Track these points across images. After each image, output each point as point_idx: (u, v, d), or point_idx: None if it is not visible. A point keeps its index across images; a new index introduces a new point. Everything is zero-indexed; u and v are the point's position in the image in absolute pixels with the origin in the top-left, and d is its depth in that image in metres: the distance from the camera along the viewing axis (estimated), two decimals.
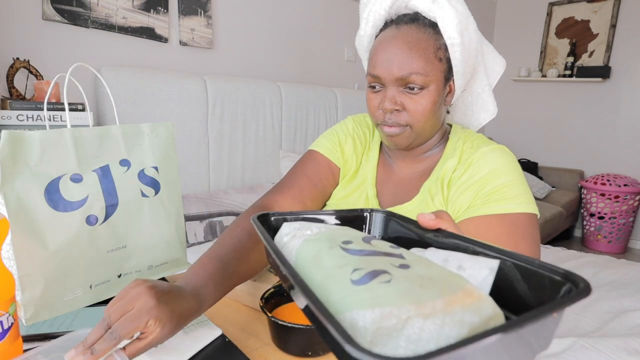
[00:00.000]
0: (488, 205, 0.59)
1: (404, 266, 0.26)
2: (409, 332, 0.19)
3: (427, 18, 0.63)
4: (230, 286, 0.50)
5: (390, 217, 0.38)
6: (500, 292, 0.27)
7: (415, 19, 0.63)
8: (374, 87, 0.65)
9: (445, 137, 0.72)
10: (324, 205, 0.76)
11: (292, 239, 0.32)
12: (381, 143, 0.77)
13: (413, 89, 0.61)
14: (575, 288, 0.23)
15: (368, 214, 0.38)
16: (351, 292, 0.23)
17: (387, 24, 0.66)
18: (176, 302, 0.41)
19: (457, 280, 0.24)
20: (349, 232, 0.32)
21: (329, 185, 0.74)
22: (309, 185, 0.71)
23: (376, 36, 0.68)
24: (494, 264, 0.27)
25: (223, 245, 0.54)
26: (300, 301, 0.25)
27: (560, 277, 0.24)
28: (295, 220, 0.35)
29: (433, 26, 0.62)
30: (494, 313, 0.22)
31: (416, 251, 0.32)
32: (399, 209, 0.67)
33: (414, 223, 0.35)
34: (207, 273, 0.48)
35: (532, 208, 0.59)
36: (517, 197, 0.59)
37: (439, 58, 0.62)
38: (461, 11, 0.61)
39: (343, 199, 0.74)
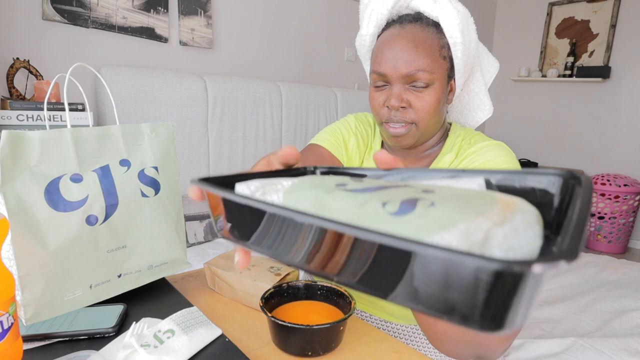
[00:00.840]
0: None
1: (428, 191, 0.22)
2: (498, 241, 0.17)
3: (429, 18, 0.64)
4: None
5: (335, 170, 0.35)
6: None
7: (417, 18, 0.64)
8: (378, 85, 0.66)
9: (445, 135, 0.73)
10: None
11: (264, 195, 0.26)
12: (382, 142, 0.77)
13: (419, 86, 0.62)
14: (574, 179, 0.24)
15: (311, 172, 0.35)
16: (402, 223, 0.19)
17: (390, 24, 0.67)
18: None
19: (485, 192, 0.22)
20: (327, 178, 0.28)
21: None
22: None
23: (378, 36, 0.69)
24: (480, 179, 0.26)
25: None
26: (345, 250, 0.18)
27: (554, 176, 0.25)
28: (246, 180, 0.29)
29: (435, 25, 0.63)
30: (534, 209, 0.21)
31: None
32: None
33: (364, 174, 0.33)
34: None
35: None
36: None
37: (442, 56, 0.63)
38: (461, 11, 0.63)
39: None
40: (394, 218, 0.19)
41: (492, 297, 0.14)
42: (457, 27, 0.61)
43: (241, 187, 0.28)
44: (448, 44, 0.63)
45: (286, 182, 0.27)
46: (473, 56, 0.67)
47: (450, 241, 0.17)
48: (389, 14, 0.66)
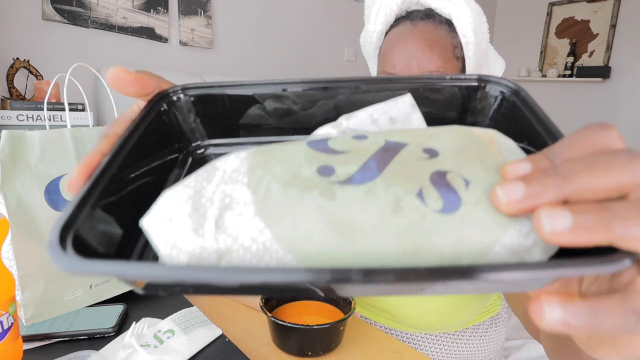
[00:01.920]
0: None
1: (431, 153, 0.20)
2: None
3: (441, 15, 0.61)
4: None
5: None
6: (433, 115, 0.27)
7: (429, 15, 0.61)
8: None
9: None
10: None
11: (222, 237, 0.17)
12: None
13: None
14: (509, 91, 0.24)
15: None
16: (465, 228, 0.16)
17: (399, 20, 0.63)
18: None
19: (465, 133, 0.22)
20: (283, 159, 0.20)
21: None
22: None
23: (386, 33, 0.65)
24: (407, 97, 0.26)
25: None
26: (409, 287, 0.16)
27: (477, 82, 0.25)
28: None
29: (448, 24, 0.60)
30: (510, 141, 0.21)
31: (348, 123, 0.25)
32: None
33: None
34: None
35: None
36: None
37: (456, 57, 0.60)
38: (475, 9, 0.59)
39: None
40: (449, 219, 0.16)
41: None
42: (471, 26, 0.58)
43: (160, 230, 0.17)
44: (460, 44, 0.60)
45: (237, 191, 0.18)
46: (484, 56, 0.64)
47: (514, 240, 0.16)
48: (398, 9, 0.62)
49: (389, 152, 0.20)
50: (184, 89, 0.27)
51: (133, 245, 0.20)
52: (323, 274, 0.14)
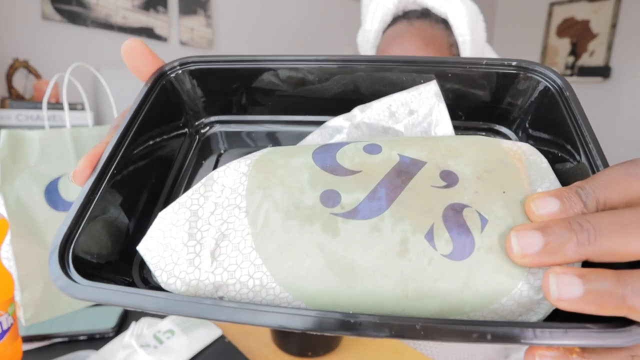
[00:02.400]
0: None
1: (449, 180, 0.18)
2: None
3: (437, 14, 0.61)
4: None
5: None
6: (459, 105, 0.24)
7: (425, 14, 0.61)
8: None
9: None
10: None
11: (219, 270, 0.16)
12: None
13: None
14: (549, 81, 0.21)
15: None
16: (472, 284, 0.15)
17: (396, 19, 0.64)
18: None
19: (494, 150, 0.19)
20: (283, 184, 0.18)
21: None
22: None
23: (383, 31, 0.66)
24: (432, 85, 0.23)
25: None
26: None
27: (515, 69, 0.22)
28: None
29: (444, 22, 0.61)
30: (543, 159, 0.19)
31: (359, 119, 0.23)
32: None
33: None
34: None
35: None
36: None
37: (452, 55, 0.61)
38: (471, 8, 0.60)
39: None
40: (457, 265, 0.15)
41: None
42: (467, 25, 0.59)
43: (156, 258, 0.17)
44: (457, 43, 0.61)
45: (234, 218, 0.17)
46: (480, 55, 0.65)
47: (524, 294, 0.15)
48: (395, 8, 0.63)
49: (401, 175, 0.18)
50: (189, 62, 0.24)
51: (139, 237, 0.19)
52: (310, 321, 0.14)
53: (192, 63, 0.24)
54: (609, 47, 3.01)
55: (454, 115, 0.24)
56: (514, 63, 0.22)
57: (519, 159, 0.19)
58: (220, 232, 0.17)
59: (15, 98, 1.28)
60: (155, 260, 0.17)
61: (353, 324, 0.14)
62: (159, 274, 0.17)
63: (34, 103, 1.19)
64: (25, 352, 0.45)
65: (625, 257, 0.14)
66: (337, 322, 0.14)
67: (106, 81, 0.67)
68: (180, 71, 0.24)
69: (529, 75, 0.22)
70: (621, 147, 3.03)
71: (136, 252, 0.19)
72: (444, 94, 0.24)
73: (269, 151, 0.20)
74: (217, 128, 0.28)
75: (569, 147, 0.20)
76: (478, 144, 0.19)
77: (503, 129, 0.25)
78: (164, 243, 0.17)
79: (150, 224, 0.18)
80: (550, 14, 3.28)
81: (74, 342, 0.49)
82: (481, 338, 0.13)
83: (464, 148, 0.19)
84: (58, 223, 0.52)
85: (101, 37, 1.50)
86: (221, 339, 0.50)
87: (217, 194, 0.18)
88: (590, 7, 3.08)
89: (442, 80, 0.23)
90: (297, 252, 0.16)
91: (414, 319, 0.14)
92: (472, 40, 0.60)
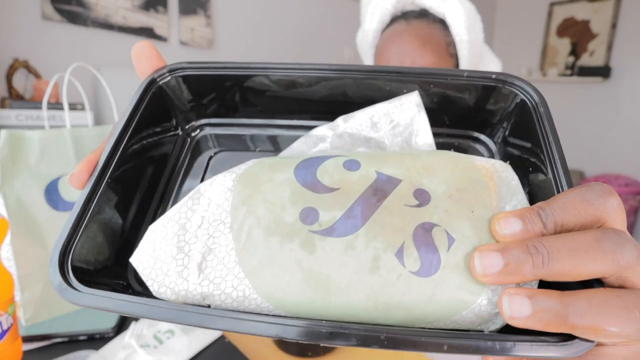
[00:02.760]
0: None
1: (422, 199, 0.19)
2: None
3: (435, 14, 0.63)
4: None
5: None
6: (441, 113, 0.25)
7: (423, 14, 0.63)
8: None
9: None
10: None
11: (205, 285, 0.18)
12: None
13: None
14: (526, 96, 0.22)
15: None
16: (437, 298, 0.17)
17: (394, 19, 0.65)
18: None
19: (466, 168, 0.20)
20: (264, 200, 0.19)
21: None
22: None
23: (382, 31, 0.67)
24: (414, 96, 0.24)
25: None
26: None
27: (494, 82, 0.23)
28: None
29: (442, 22, 0.62)
30: (515, 177, 0.20)
31: (338, 129, 0.24)
32: None
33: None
34: None
35: None
36: None
37: (449, 54, 0.62)
38: (468, 8, 0.61)
39: None
40: (423, 282, 0.17)
41: None
42: (464, 25, 0.60)
43: (148, 270, 0.18)
44: (454, 42, 0.62)
45: (219, 233, 0.18)
46: (478, 55, 0.66)
47: (482, 308, 0.17)
48: (393, 9, 0.65)
49: (377, 194, 0.19)
50: (178, 69, 0.25)
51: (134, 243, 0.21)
52: (276, 330, 0.15)
53: (180, 69, 0.25)
54: (609, 47, 3.01)
55: (438, 122, 0.26)
56: (493, 76, 0.23)
57: (490, 177, 0.20)
58: (207, 246, 0.18)
59: (15, 98, 1.28)
60: (147, 272, 0.18)
61: (324, 334, 0.15)
62: (151, 284, 0.18)
63: (34, 103, 1.19)
64: (25, 352, 0.45)
65: (575, 277, 0.15)
66: (309, 331, 0.15)
67: (106, 81, 0.67)
68: (169, 78, 0.25)
69: (507, 87, 0.23)
70: (621, 147, 3.03)
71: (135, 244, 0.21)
72: (428, 102, 0.25)
73: (253, 164, 0.21)
74: (208, 130, 0.28)
75: (539, 162, 0.21)
76: (452, 161, 0.21)
77: (482, 137, 0.27)
78: (154, 256, 0.18)
79: (144, 229, 0.20)
80: (550, 14, 3.28)
81: (74, 342, 0.49)
82: (438, 348, 0.15)
83: (439, 166, 0.20)
84: (58, 223, 0.52)
85: (101, 37, 1.50)
86: (221, 339, 0.50)
87: (204, 207, 0.19)
88: (590, 7, 3.08)
89: (425, 89, 0.24)
90: (277, 268, 0.17)
91: (381, 329, 0.15)
92: (469, 40, 0.61)
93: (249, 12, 1.98)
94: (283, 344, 0.50)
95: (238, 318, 0.16)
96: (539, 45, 3.37)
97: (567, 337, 0.15)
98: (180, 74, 0.25)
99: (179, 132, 0.28)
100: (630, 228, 2.89)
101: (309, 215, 0.18)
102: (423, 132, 0.24)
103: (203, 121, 0.28)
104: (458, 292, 0.17)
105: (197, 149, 0.28)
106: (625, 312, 0.14)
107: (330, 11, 2.36)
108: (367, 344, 0.15)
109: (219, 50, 1.89)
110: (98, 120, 1.46)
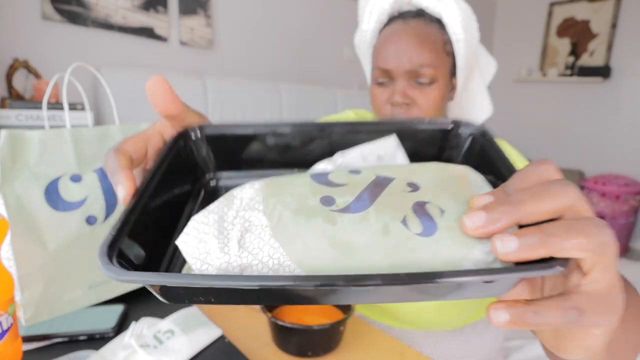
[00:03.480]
0: None
1: (413, 187, 0.24)
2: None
3: (431, 14, 0.64)
4: None
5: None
6: (415, 151, 0.32)
7: (420, 14, 0.64)
8: (381, 82, 0.65)
9: None
10: None
11: (246, 249, 0.21)
12: None
13: (423, 82, 0.62)
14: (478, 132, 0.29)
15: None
16: (440, 246, 0.20)
17: (392, 19, 0.66)
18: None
19: (442, 169, 0.26)
20: (292, 191, 0.23)
21: None
22: None
23: (380, 31, 0.68)
24: (393, 138, 0.31)
25: None
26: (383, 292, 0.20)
27: (451, 125, 0.30)
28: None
29: (438, 22, 0.63)
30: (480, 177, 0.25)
31: (340, 160, 0.30)
32: None
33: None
34: None
35: None
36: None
37: (446, 52, 0.63)
38: (464, 8, 0.63)
39: None
40: (427, 240, 0.20)
41: None
42: (460, 24, 0.61)
43: (192, 249, 0.21)
44: (451, 41, 0.63)
45: (255, 216, 0.22)
46: (474, 54, 0.67)
47: (478, 257, 0.20)
48: (390, 9, 0.66)
49: (379, 185, 0.24)
50: (200, 128, 0.30)
51: (161, 260, 0.24)
52: (319, 280, 0.18)
53: (207, 128, 0.30)
54: (609, 47, 3.01)
55: (411, 159, 0.32)
56: (450, 120, 0.30)
57: (462, 176, 0.25)
58: (244, 227, 0.21)
59: (15, 98, 1.28)
60: (191, 251, 0.21)
61: (355, 276, 0.17)
62: (194, 262, 0.21)
63: (34, 103, 1.19)
64: (25, 352, 0.45)
65: (541, 216, 0.19)
66: (344, 278, 0.18)
67: (106, 81, 0.67)
68: (197, 133, 0.30)
69: (460, 128, 0.30)
70: (621, 147, 3.03)
71: (160, 264, 0.24)
72: (403, 145, 0.31)
73: (272, 178, 0.25)
74: (222, 182, 0.33)
75: (496, 174, 0.26)
76: (433, 166, 0.27)
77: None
78: (197, 237, 0.21)
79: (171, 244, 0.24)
80: (550, 14, 3.28)
81: (74, 342, 0.49)
82: (455, 279, 0.18)
83: (424, 169, 0.26)
84: (58, 223, 0.52)
85: (101, 37, 1.50)
86: (221, 339, 0.50)
87: (238, 204, 0.23)
88: (590, 7, 3.08)
89: (400, 135, 0.31)
90: (306, 237, 0.20)
91: (401, 273, 0.18)
92: (465, 39, 0.62)
93: (249, 12, 1.98)
94: (283, 344, 0.50)
95: (274, 278, 0.18)
96: (539, 45, 3.37)
97: (549, 261, 0.18)
98: (207, 132, 0.30)
99: (197, 184, 0.32)
100: (630, 228, 2.90)
101: (327, 201, 0.22)
102: (403, 162, 0.31)
103: (218, 174, 0.33)
104: (456, 247, 0.20)
105: (211, 198, 0.31)
106: (585, 230, 0.18)
107: (330, 11, 2.36)
108: (391, 282, 0.17)
109: (219, 50, 1.89)
110: (98, 120, 1.46)
